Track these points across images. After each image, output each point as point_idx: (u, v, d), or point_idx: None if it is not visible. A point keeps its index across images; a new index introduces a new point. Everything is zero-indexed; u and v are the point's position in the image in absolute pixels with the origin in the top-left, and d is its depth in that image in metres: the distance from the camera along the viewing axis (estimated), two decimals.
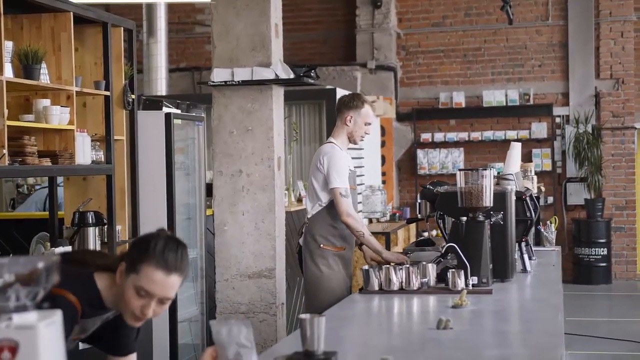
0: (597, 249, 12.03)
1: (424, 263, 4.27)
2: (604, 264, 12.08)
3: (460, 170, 4.40)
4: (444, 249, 4.34)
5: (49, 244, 5.36)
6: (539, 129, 12.43)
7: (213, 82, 5.44)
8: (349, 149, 5.32)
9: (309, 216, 5.21)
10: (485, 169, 4.36)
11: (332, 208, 5.08)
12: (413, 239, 10.08)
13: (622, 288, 11.91)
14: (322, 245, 5.11)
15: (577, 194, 12.40)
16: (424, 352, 2.98)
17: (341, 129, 5.21)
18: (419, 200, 5.06)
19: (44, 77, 4.80)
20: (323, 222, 5.13)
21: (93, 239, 5.30)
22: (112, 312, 2.73)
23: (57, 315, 1.75)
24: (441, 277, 4.26)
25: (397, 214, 10.52)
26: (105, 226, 5.46)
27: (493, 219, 4.43)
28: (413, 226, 10.95)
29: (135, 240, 2.68)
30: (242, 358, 2.35)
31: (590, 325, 9.29)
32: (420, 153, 12.72)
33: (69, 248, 5.16)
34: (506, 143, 10.15)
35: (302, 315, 2.71)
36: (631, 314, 10.11)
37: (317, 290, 5.12)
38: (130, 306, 2.59)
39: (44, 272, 1.73)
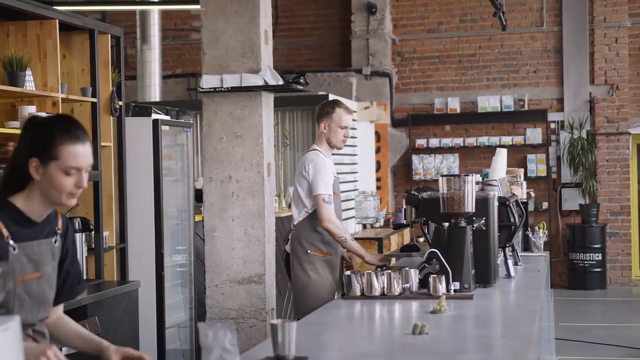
0: (592, 255, 12.03)
1: (407, 268, 4.28)
2: (598, 270, 12.08)
3: (442, 176, 4.41)
4: (425, 255, 4.35)
5: None
6: (534, 134, 12.44)
7: (202, 88, 5.46)
8: (333, 154, 5.38)
9: (295, 222, 5.28)
10: (468, 175, 4.38)
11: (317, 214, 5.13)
12: None
13: (616, 293, 11.91)
14: (309, 251, 5.18)
15: (572, 200, 12.40)
16: (396, 357, 2.99)
17: (320, 136, 5.33)
18: (404, 206, 5.07)
19: (29, 84, 4.83)
20: (309, 228, 5.20)
21: (80, 245, 5.31)
22: (48, 231, 2.76)
23: (14, 321, 1.76)
24: (424, 282, 4.27)
25: (392, 220, 10.54)
26: (92, 232, 5.48)
27: (475, 225, 4.44)
28: (407, 232, 10.96)
29: (30, 133, 2.68)
30: None
31: (584, 330, 9.29)
32: (415, 159, 12.74)
33: None
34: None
35: (273, 321, 2.73)
36: (626, 320, 10.12)
37: (305, 296, 5.16)
38: (64, 189, 2.66)
39: (0, 277, 1.75)
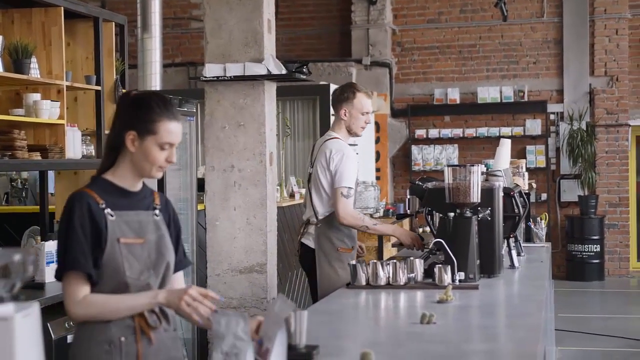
0: (590, 246, 12.06)
1: (412, 258, 4.29)
2: (597, 261, 12.11)
3: (448, 166, 4.40)
4: (430, 245, 4.35)
5: (39, 237, 5.38)
6: (533, 125, 12.46)
7: (205, 77, 5.45)
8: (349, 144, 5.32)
9: (320, 217, 5.07)
10: (473, 166, 4.38)
11: None
12: None
13: (614, 285, 11.95)
14: (339, 249, 5.04)
15: (570, 191, 12.43)
16: (405, 346, 3.00)
17: (339, 122, 5.14)
18: (408, 196, 5.06)
19: (34, 72, 4.82)
20: (337, 223, 5.00)
21: None
22: (147, 204, 2.89)
23: (34, 307, 1.76)
24: (429, 272, 4.28)
25: (391, 210, 10.55)
26: None
27: (480, 215, 4.44)
28: (407, 222, 10.98)
29: (129, 108, 2.83)
30: (238, 350, 2.39)
31: (582, 321, 9.33)
32: (414, 149, 12.74)
33: None
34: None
35: None
36: (623, 311, 10.15)
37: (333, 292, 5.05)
38: (156, 162, 2.82)
39: (20, 264, 1.75)
